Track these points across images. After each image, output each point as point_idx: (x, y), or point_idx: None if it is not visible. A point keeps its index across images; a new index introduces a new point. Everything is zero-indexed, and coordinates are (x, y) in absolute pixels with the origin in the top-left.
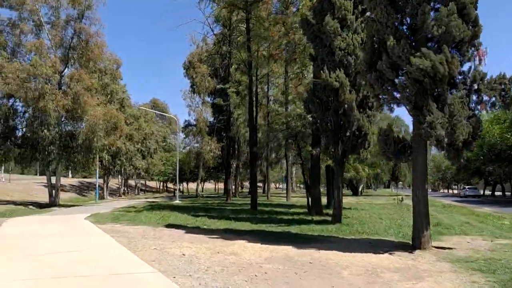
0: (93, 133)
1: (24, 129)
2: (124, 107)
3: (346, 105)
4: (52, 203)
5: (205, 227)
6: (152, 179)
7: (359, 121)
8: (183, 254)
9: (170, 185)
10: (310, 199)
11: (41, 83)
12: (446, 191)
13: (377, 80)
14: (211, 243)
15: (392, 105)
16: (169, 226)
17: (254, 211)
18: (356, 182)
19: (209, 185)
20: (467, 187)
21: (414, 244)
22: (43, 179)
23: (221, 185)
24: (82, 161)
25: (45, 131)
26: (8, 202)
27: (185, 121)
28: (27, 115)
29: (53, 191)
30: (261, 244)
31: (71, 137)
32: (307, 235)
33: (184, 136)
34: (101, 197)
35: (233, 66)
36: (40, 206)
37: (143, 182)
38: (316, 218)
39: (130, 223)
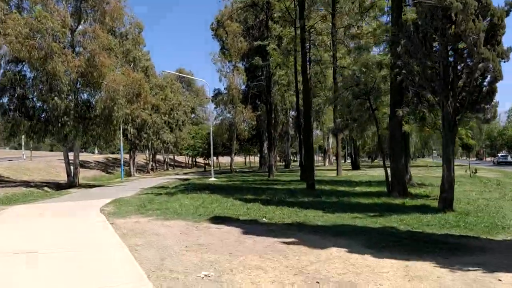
0: (112, 101)
1: (34, 98)
2: (149, 76)
3: (470, 38)
4: (71, 183)
5: (265, 220)
6: (181, 154)
7: (488, 62)
8: None
9: (199, 159)
10: (389, 176)
11: (48, 41)
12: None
13: None
14: (291, 255)
15: None
16: (215, 219)
17: (313, 191)
18: None
19: (239, 159)
20: (499, 154)
21: None
22: (70, 155)
23: (252, 159)
24: (102, 134)
25: (56, 98)
26: (22, 183)
27: (215, 89)
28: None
29: (72, 170)
30: (373, 256)
31: (87, 106)
32: (429, 235)
33: (215, 106)
34: (128, 174)
35: (273, 16)
36: (58, 186)
37: (171, 157)
38: (407, 201)
39: (161, 216)
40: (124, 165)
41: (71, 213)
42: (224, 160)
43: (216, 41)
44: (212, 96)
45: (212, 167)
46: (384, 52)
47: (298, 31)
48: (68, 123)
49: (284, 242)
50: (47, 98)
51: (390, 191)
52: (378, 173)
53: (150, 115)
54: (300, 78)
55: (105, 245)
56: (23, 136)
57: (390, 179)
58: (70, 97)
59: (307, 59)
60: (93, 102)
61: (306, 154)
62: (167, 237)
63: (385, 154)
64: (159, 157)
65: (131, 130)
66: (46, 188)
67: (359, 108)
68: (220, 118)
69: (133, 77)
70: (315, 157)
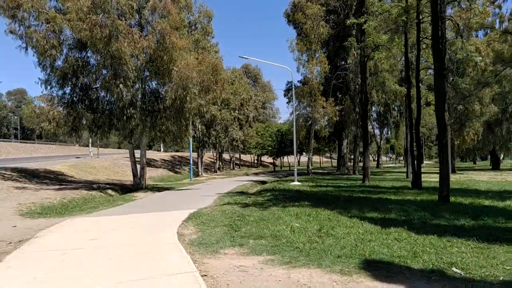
0: (185, 90)
1: (98, 88)
2: (217, 70)
3: None
4: (137, 185)
5: (458, 271)
6: (247, 152)
7: None
8: None
9: (265, 158)
10: None
11: (113, 17)
12: None
13: None
14: None
15: None
16: (372, 268)
17: (453, 206)
18: (499, 150)
19: (305, 159)
20: None
21: None
22: (136, 153)
23: (321, 158)
24: (172, 129)
25: (121, 86)
26: (85, 184)
27: (288, 82)
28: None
29: (138, 169)
30: None
31: (156, 97)
32: None
33: (287, 100)
34: (196, 174)
35: None
36: (123, 189)
37: (237, 155)
38: None
39: (275, 253)
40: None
41: (136, 243)
42: (292, 159)
43: (291, 28)
44: (284, 90)
45: (295, 169)
46: None
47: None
48: (134, 115)
49: None
50: (111, 86)
51: None
52: (487, 178)
53: (220, 110)
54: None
55: None
56: (88, 132)
57: None
58: (136, 86)
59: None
60: (162, 92)
61: (441, 154)
62: None
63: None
64: (224, 155)
65: (199, 126)
66: (109, 191)
67: None
68: (296, 113)
69: (208, 62)
70: (382, 158)
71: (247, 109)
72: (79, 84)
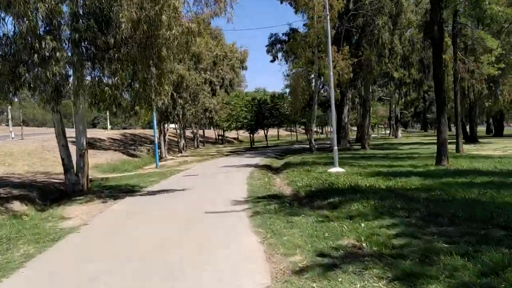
0: (156, 4)
1: None
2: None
3: None
4: (73, 187)
5: None
6: (216, 126)
7: None
8: None
9: (229, 134)
10: None
11: None
12: None
13: None
14: None
15: None
16: None
17: None
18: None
19: (283, 132)
20: None
21: None
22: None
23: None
24: (136, 89)
25: None
26: None
27: (271, 35)
28: None
29: (74, 159)
30: None
31: (100, 22)
32: None
33: (272, 58)
34: (159, 157)
35: None
36: (46, 193)
37: (201, 132)
38: None
39: None
40: (148, 144)
41: None
42: (272, 133)
43: None
44: (267, 46)
45: (335, 147)
46: None
47: None
48: (58, 54)
49: None
50: None
51: None
52: None
53: (188, 70)
54: None
55: None
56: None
57: None
58: None
59: None
60: (113, 12)
61: None
62: None
63: None
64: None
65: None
66: (16, 206)
67: None
68: (293, 72)
69: None
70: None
71: (221, 69)
72: None
